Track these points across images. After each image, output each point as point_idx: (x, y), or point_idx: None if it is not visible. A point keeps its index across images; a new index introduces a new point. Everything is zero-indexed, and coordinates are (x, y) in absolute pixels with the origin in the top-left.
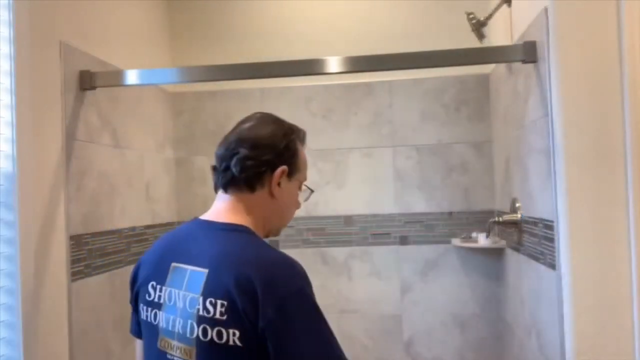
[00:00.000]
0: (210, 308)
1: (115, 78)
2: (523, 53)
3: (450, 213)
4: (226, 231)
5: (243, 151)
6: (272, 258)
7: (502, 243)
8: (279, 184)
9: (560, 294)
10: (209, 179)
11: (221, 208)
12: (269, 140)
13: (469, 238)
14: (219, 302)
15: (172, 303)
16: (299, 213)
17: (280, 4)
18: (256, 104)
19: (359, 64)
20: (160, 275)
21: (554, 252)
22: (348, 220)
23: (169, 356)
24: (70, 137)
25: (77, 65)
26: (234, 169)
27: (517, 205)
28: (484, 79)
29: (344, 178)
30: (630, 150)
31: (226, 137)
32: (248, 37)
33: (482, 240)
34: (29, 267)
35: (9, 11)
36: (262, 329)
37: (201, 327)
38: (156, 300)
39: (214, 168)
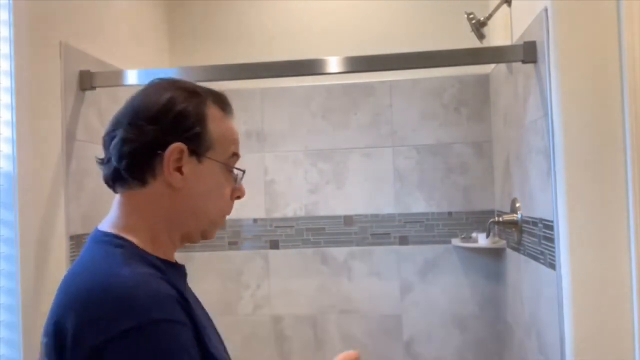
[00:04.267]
0: (42, 348)
1: (115, 78)
2: (523, 53)
3: (450, 213)
4: (92, 244)
5: (120, 132)
6: (101, 286)
7: (502, 243)
8: (180, 170)
9: (560, 294)
10: None
11: (111, 212)
12: (152, 111)
13: (468, 238)
14: (44, 340)
15: None
16: (298, 213)
17: (280, 4)
18: (256, 104)
19: (359, 64)
20: None
21: (553, 252)
22: (348, 220)
23: None
24: (70, 137)
25: (77, 65)
26: (113, 159)
27: (517, 205)
28: (484, 79)
29: (343, 178)
30: (630, 150)
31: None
32: (248, 37)
33: (482, 240)
34: (28, 267)
35: (8, 11)
36: None
37: None
38: None
39: (100, 161)
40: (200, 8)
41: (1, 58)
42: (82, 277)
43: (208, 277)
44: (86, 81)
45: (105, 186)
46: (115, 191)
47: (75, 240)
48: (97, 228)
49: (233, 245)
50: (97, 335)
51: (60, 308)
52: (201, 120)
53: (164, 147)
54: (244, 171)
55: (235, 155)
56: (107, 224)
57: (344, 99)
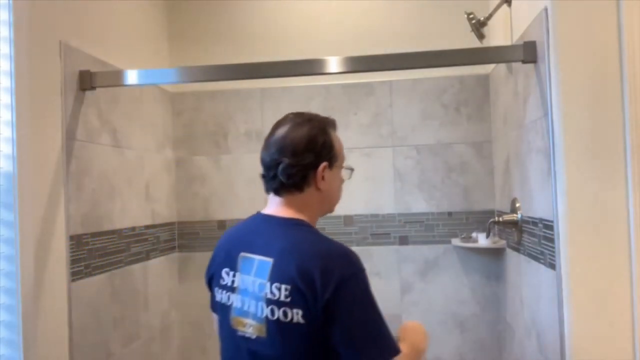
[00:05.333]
0: (276, 292)
1: (115, 78)
2: (523, 53)
3: (450, 213)
4: (288, 225)
5: (286, 160)
6: (329, 249)
7: (502, 243)
8: (323, 178)
9: (560, 294)
10: (209, 179)
11: (278, 205)
12: (306, 144)
13: (469, 238)
14: (283, 286)
15: (244, 287)
16: None
17: (280, 4)
18: (256, 104)
19: (359, 64)
20: (231, 263)
21: (553, 252)
22: (348, 220)
23: (239, 333)
24: (70, 137)
25: (77, 65)
26: (281, 177)
27: (517, 205)
28: (484, 79)
29: None
30: (630, 150)
31: (267, 144)
32: (248, 37)
33: (482, 240)
34: (28, 267)
35: (8, 11)
36: (321, 307)
37: (269, 308)
38: (229, 284)
39: (263, 175)
40: (200, 8)
41: (1, 58)
42: (311, 244)
43: None
44: (86, 81)
45: (105, 186)
46: (279, 196)
47: (75, 240)
48: (264, 214)
49: None
50: (340, 274)
51: (303, 262)
52: (331, 144)
53: (315, 166)
54: (353, 169)
55: (344, 160)
56: (280, 212)
57: (344, 99)
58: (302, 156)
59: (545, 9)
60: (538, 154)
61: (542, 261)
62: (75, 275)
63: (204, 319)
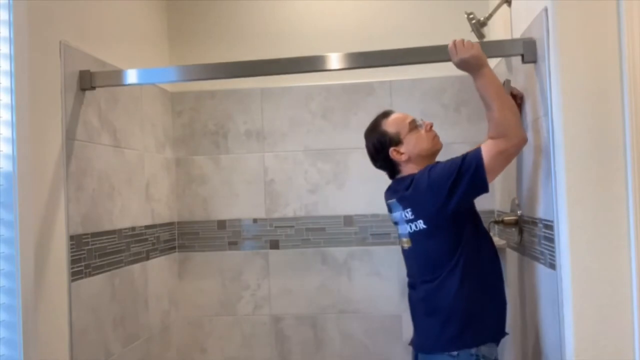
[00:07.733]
0: (408, 214)
1: (115, 78)
2: (523, 48)
3: None
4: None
5: (377, 162)
6: (413, 177)
7: (502, 243)
8: (401, 154)
9: (560, 294)
10: (209, 178)
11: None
12: (374, 153)
13: None
14: (408, 209)
15: (397, 220)
16: (298, 213)
17: (280, 3)
18: (256, 104)
19: (359, 60)
20: (389, 208)
21: (554, 252)
22: (348, 220)
23: (404, 247)
24: (70, 137)
25: (76, 65)
26: (387, 172)
27: (517, 205)
28: None
29: (344, 178)
30: (630, 149)
31: None
32: (247, 37)
33: None
34: (28, 267)
35: (8, 11)
36: (429, 207)
37: (407, 225)
38: (393, 220)
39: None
40: (200, 8)
41: (1, 58)
42: (409, 178)
43: (208, 277)
44: (86, 81)
45: (105, 186)
46: (392, 178)
47: (75, 240)
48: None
49: (233, 245)
50: (419, 179)
51: (404, 191)
52: (384, 135)
53: (390, 156)
54: (415, 120)
55: (411, 122)
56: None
57: (344, 99)
58: (378, 159)
59: (545, 9)
60: (538, 153)
61: (542, 261)
62: (75, 275)
63: (204, 319)
